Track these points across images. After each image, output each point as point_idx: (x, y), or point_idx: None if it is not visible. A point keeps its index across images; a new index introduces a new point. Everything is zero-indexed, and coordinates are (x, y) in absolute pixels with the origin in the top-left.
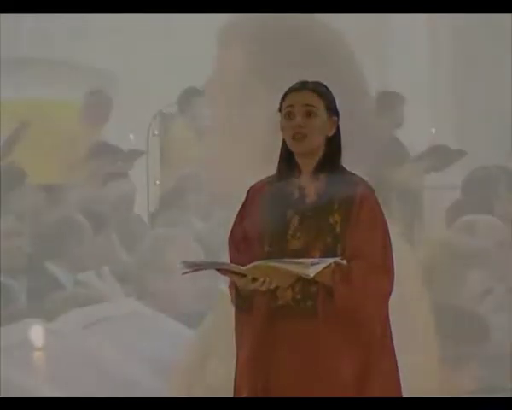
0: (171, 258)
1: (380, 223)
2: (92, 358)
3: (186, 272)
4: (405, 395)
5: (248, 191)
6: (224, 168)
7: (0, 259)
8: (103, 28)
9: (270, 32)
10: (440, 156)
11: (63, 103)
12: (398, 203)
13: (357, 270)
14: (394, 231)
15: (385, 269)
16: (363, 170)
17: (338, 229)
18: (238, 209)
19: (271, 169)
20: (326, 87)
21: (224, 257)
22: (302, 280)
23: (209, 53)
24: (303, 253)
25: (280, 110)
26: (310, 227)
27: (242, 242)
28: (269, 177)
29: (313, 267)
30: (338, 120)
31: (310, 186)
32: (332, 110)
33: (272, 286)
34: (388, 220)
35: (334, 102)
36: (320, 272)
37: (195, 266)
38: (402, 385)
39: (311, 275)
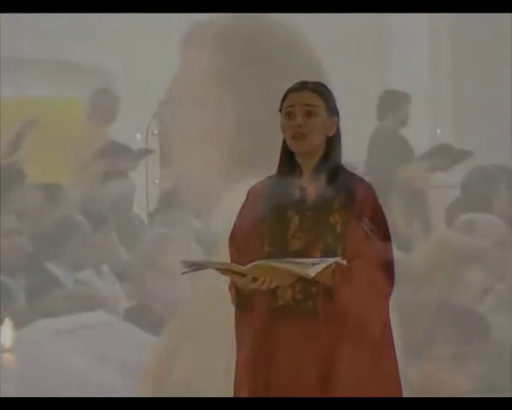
0: (170, 257)
1: (380, 223)
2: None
3: (186, 272)
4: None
5: (249, 191)
6: (188, 168)
7: (0, 258)
8: (103, 28)
9: (236, 33)
10: (444, 156)
11: (63, 103)
12: (400, 202)
13: (358, 270)
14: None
15: (385, 269)
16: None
17: (338, 229)
18: (238, 210)
19: (236, 169)
20: (326, 87)
21: (224, 257)
22: (302, 280)
23: None
24: (303, 253)
25: (280, 110)
26: (310, 227)
27: (242, 242)
28: (269, 177)
29: (314, 267)
30: (338, 119)
31: (310, 186)
32: (332, 110)
33: (272, 286)
34: (389, 220)
35: (334, 101)
36: (320, 272)
37: (195, 266)
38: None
39: (312, 275)
